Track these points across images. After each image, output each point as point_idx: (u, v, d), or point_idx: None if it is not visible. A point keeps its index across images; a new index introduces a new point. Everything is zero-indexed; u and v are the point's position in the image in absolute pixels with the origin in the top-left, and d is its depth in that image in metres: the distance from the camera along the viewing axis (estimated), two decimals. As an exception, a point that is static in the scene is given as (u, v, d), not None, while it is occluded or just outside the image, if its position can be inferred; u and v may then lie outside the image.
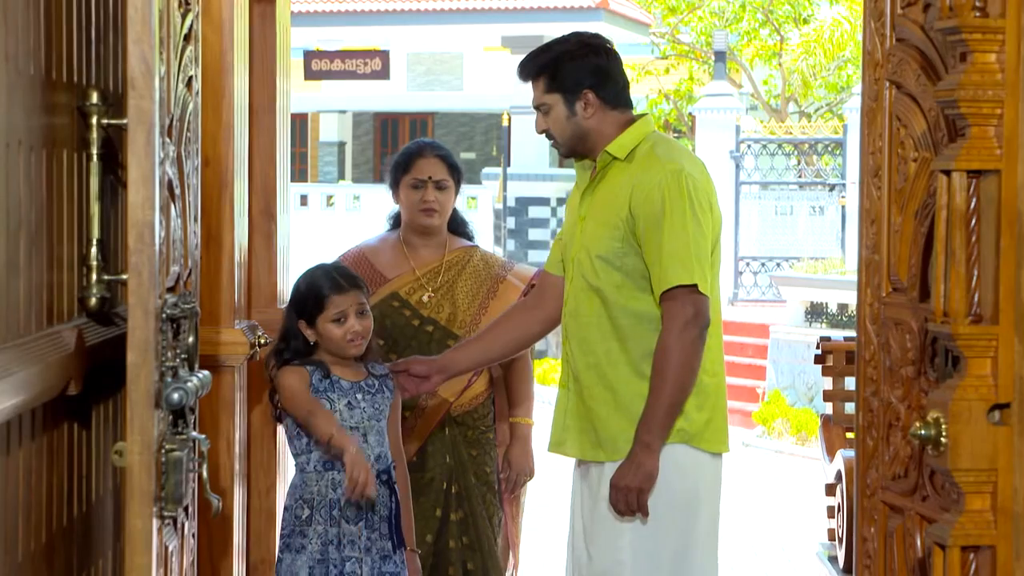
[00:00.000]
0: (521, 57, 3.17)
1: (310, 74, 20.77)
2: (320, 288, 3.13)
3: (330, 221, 19.70)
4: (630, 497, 2.88)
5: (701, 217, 2.92)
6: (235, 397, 3.28)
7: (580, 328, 3.02)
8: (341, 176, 25.46)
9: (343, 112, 25.45)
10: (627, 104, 3.07)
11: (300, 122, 25.25)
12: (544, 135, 3.08)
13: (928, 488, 2.45)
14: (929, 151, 2.45)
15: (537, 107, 3.05)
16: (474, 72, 23.52)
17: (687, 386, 2.89)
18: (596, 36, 3.12)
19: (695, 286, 2.88)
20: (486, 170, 20.44)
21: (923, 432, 2.26)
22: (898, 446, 2.54)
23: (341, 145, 25.82)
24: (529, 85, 3.10)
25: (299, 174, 25.18)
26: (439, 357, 3.27)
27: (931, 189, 2.42)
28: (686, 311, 2.87)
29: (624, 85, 3.08)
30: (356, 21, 21.10)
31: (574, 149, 3.05)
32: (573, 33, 3.13)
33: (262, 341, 3.38)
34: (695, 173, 2.96)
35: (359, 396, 3.12)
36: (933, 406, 2.24)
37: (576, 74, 2.99)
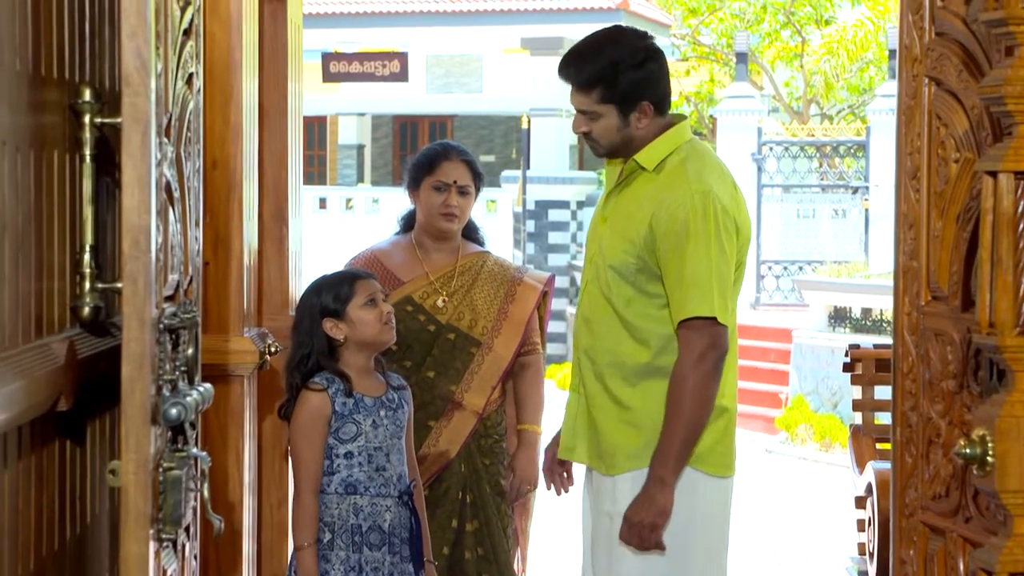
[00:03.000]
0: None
1: (328, 76, 20.72)
2: (344, 278, 3.06)
3: (349, 224, 19.68)
4: (643, 533, 2.78)
5: (726, 243, 2.79)
6: (244, 408, 3.19)
7: (590, 335, 2.92)
8: (360, 179, 25.43)
9: (362, 115, 25.41)
10: (669, 107, 2.93)
11: (318, 125, 25.24)
12: (581, 135, 2.90)
13: (972, 509, 2.33)
14: (972, 151, 2.33)
15: (582, 111, 2.85)
16: (493, 74, 23.44)
17: (702, 418, 2.78)
18: (643, 36, 2.91)
19: (714, 318, 2.76)
20: (505, 173, 20.34)
21: (968, 451, 2.15)
22: (939, 464, 2.43)
23: (360, 148, 25.79)
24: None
25: (318, 177, 25.18)
26: (555, 456, 3.06)
27: (974, 192, 2.31)
28: (702, 342, 2.76)
29: (670, 88, 2.93)
30: (374, 23, 21.06)
31: (615, 153, 2.90)
32: (615, 28, 2.93)
33: (272, 349, 3.28)
34: (723, 195, 2.81)
35: (382, 413, 3.01)
36: (978, 423, 2.13)
37: (635, 85, 2.80)
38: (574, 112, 2.92)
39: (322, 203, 20.87)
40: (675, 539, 2.81)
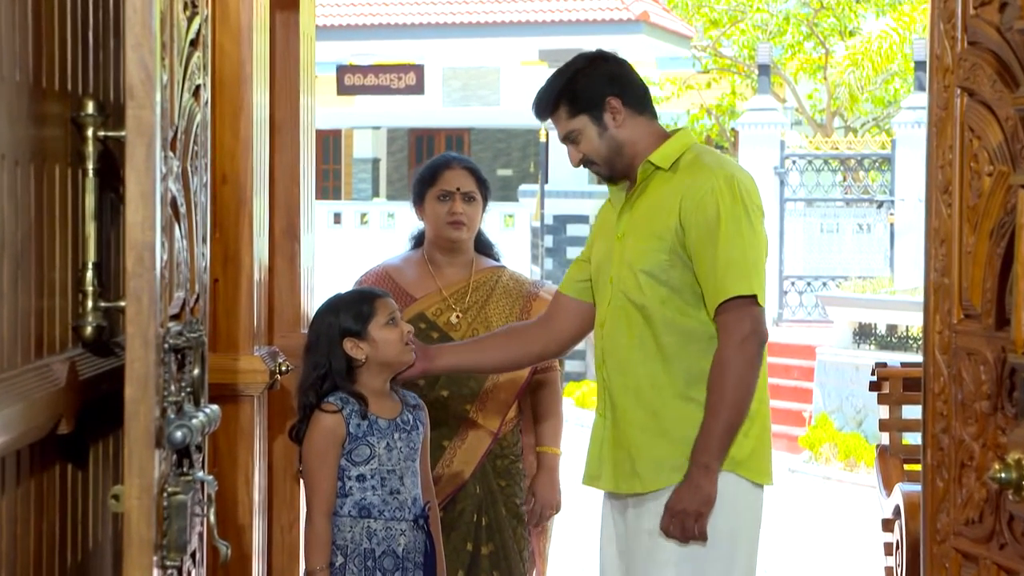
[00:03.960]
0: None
1: (343, 89, 20.67)
2: (363, 297, 3.01)
3: (364, 239, 19.64)
4: (687, 522, 2.71)
5: (756, 225, 2.79)
6: (254, 428, 3.13)
7: (618, 350, 2.85)
8: (375, 193, 25.40)
9: (377, 128, 25.38)
10: (653, 111, 2.95)
11: (333, 138, 25.23)
12: (582, 165, 2.94)
13: (1006, 535, 2.25)
14: (1006, 164, 2.25)
15: (566, 138, 2.91)
16: (511, 87, 23.39)
17: (745, 404, 2.74)
18: (600, 50, 3.01)
19: (753, 297, 2.73)
20: (523, 187, 20.28)
21: (1003, 475, 2.08)
22: (972, 488, 2.34)
23: (375, 162, 25.76)
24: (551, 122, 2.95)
25: (333, 191, 25.16)
26: (431, 347, 3.12)
27: (1009, 206, 2.23)
28: (744, 325, 2.72)
29: (646, 90, 2.96)
30: (390, 35, 21.02)
31: (615, 167, 2.90)
32: (577, 55, 3.00)
33: (283, 368, 3.22)
34: (745, 180, 2.83)
35: (396, 436, 2.96)
36: (1014, 446, 2.06)
37: (594, 86, 2.87)
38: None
39: (337, 218, 20.83)
40: (722, 553, 2.74)
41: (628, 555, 2.85)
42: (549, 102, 2.89)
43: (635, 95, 2.89)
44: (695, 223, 2.75)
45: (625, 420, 2.82)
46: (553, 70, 3.01)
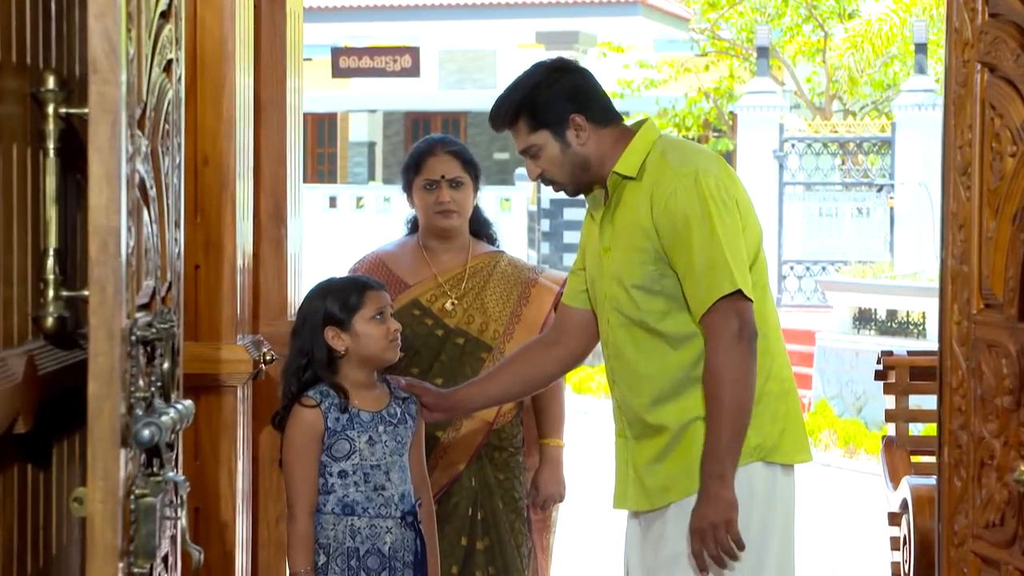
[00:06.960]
0: (556, 54, 2.89)
1: (338, 72, 20.51)
2: (353, 286, 2.89)
3: (360, 223, 19.53)
4: (719, 534, 2.60)
5: (726, 217, 2.65)
6: (237, 420, 3.01)
7: (628, 368, 2.75)
8: (371, 177, 25.27)
9: (373, 111, 25.23)
10: (618, 118, 2.81)
11: (329, 122, 25.09)
12: (541, 181, 2.81)
13: (1030, 539, 2.12)
14: (1031, 144, 2.12)
15: (525, 152, 2.78)
16: (508, 70, 23.20)
17: (747, 406, 2.63)
18: (561, 59, 2.87)
19: (737, 292, 2.62)
20: (519, 171, 20.15)
21: (1028, 477, 1.94)
22: (992, 489, 2.22)
23: (371, 145, 25.61)
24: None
25: (328, 175, 25.02)
26: (451, 392, 3.03)
27: (1033, 189, 2.10)
28: (730, 325, 2.62)
29: (608, 99, 2.83)
30: (385, 17, 20.86)
31: (579, 183, 2.79)
32: (535, 64, 2.86)
33: (268, 357, 3.10)
34: (713, 170, 2.70)
35: (380, 429, 2.83)
36: (1040, 445, 1.92)
37: (556, 101, 2.73)
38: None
39: (332, 202, 20.73)
40: (753, 548, 2.64)
41: (651, 567, 2.74)
42: (507, 115, 2.76)
43: (599, 107, 2.77)
44: (666, 229, 2.66)
45: (653, 434, 2.72)
46: (550, 53, 2.88)
